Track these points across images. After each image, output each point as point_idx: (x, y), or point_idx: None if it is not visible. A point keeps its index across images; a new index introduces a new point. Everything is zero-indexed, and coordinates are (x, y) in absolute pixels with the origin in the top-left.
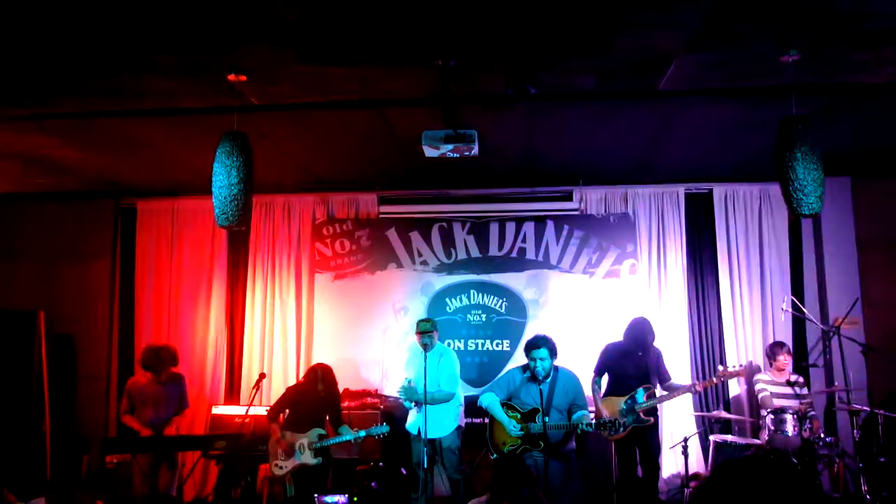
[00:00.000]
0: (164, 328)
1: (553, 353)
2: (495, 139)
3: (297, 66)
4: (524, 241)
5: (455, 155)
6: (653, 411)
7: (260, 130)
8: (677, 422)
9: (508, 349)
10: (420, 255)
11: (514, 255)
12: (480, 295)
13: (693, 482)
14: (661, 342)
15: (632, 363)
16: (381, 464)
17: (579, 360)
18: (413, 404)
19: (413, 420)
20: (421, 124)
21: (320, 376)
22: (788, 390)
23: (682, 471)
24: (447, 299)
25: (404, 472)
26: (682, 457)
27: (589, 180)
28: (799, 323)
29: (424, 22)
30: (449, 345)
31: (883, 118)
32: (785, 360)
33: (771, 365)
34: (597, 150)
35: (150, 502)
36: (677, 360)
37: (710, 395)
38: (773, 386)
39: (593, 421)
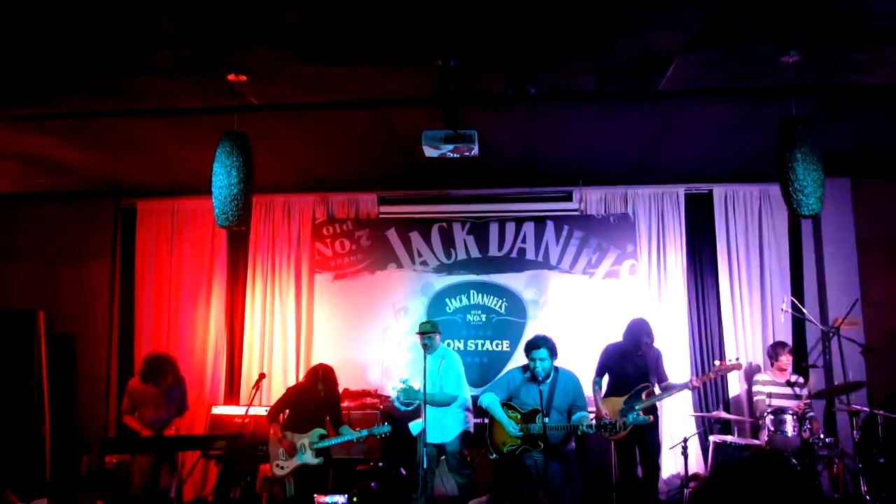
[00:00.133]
0: (164, 328)
1: (553, 353)
2: (495, 139)
3: (297, 66)
4: (524, 241)
5: (455, 155)
6: (652, 410)
7: (260, 130)
8: (677, 422)
9: (508, 349)
10: (420, 255)
11: (513, 255)
12: (480, 295)
13: (693, 482)
14: (661, 343)
15: (631, 363)
16: (380, 464)
17: (579, 361)
18: (407, 407)
19: (416, 422)
20: (421, 124)
21: (321, 376)
22: (788, 390)
23: (682, 471)
24: (447, 299)
25: (404, 472)
26: (682, 457)
27: (589, 180)
28: (799, 323)
29: (424, 22)
30: (449, 345)
31: (883, 118)
32: (787, 360)
33: (772, 365)
34: (597, 150)
35: (150, 503)
36: (677, 360)
37: (709, 395)
38: (773, 386)
39: (593, 422)
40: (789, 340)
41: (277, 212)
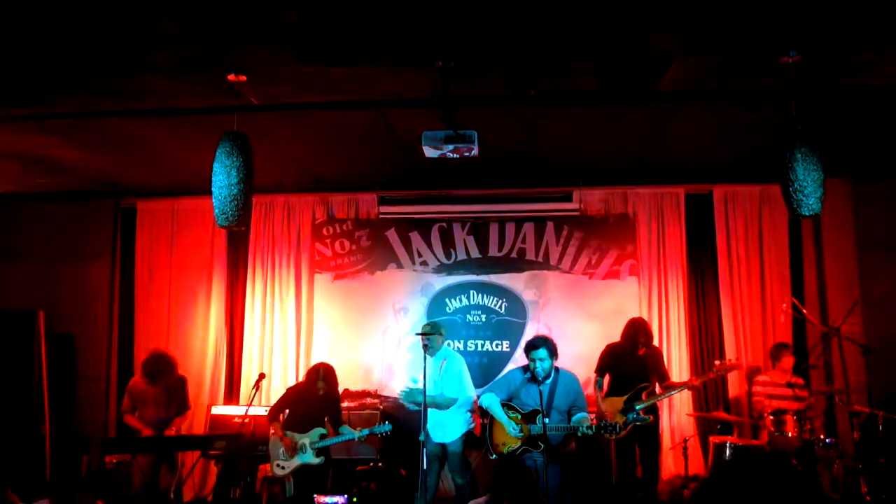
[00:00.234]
0: (164, 328)
1: (553, 353)
2: (495, 139)
3: (297, 66)
4: (524, 241)
5: (455, 155)
6: (652, 410)
7: (260, 130)
8: (677, 422)
9: (508, 350)
10: (420, 255)
11: (513, 255)
12: (480, 295)
13: (693, 483)
14: (662, 343)
15: (631, 363)
16: (380, 464)
17: (579, 361)
18: (417, 407)
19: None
20: (421, 124)
21: (322, 375)
22: (788, 391)
23: (682, 471)
24: (447, 300)
25: (404, 472)
26: (682, 457)
27: (589, 181)
28: (799, 324)
29: (424, 22)
30: (449, 345)
31: (883, 119)
32: (789, 361)
33: (774, 366)
34: (597, 150)
35: (149, 503)
36: (677, 360)
37: (709, 395)
38: (773, 387)
39: (593, 424)
40: (789, 341)
41: (277, 212)
